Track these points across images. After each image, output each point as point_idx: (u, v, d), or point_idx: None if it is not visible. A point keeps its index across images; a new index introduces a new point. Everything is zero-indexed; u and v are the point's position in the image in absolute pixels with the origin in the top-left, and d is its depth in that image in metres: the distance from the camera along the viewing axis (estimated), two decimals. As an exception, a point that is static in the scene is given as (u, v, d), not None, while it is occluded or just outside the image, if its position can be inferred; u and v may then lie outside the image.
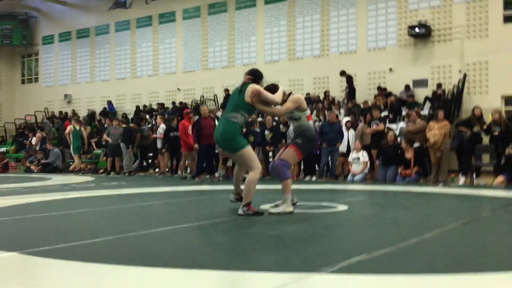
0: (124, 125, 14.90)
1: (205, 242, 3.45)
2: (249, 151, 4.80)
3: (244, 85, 4.85)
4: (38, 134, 18.60)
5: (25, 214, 5.09)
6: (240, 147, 4.71)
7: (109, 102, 22.06)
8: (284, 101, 5.04)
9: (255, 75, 4.96)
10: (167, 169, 13.98)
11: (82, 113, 23.51)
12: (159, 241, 3.48)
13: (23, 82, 27.21)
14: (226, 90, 18.57)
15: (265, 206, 5.52)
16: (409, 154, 10.27)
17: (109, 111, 21.17)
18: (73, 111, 23.55)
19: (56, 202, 6.44)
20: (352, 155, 11.17)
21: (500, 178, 9.53)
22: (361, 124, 11.87)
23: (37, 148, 17.96)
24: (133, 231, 3.82)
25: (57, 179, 12.30)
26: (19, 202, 6.25)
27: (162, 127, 13.69)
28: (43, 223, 4.46)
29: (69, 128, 15.47)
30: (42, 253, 2.99)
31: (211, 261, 2.82)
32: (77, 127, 15.56)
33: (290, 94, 5.12)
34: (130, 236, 3.62)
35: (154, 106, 20.69)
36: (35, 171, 16.20)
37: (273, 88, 4.98)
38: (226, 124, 4.78)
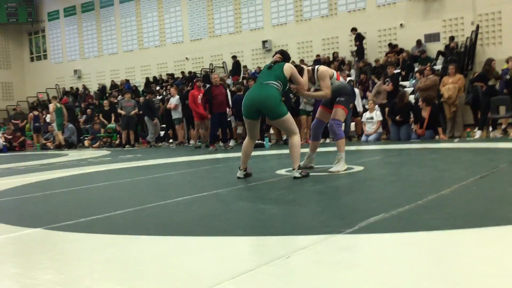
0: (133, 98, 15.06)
1: (224, 209, 3.48)
2: (291, 116, 4.99)
3: (276, 63, 5.01)
4: (30, 114, 18.76)
5: (45, 190, 5.18)
6: (285, 112, 4.87)
7: (127, 81, 21.95)
8: (310, 79, 5.23)
9: (284, 55, 5.12)
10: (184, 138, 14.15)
11: (93, 87, 23.57)
12: (179, 211, 3.53)
13: (32, 59, 27.24)
14: (234, 57, 18.40)
15: (280, 171, 5.54)
16: (425, 113, 10.12)
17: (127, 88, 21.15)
18: (84, 86, 23.61)
19: (74, 177, 6.54)
20: (366, 115, 11.10)
21: (517, 130, 9.42)
22: (379, 83, 11.69)
23: (31, 127, 18.18)
24: (152, 202, 3.87)
25: (73, 154, 12.45)
26: (39, 179, 6.36)
27: (176, 98, 13.67)
28: (64, 199, 4.54)
29: (52, 106, 15.78)
30: (66, 228, 3.06)
31: (232, 228, 2.86)
32: (58, 105, 15.97)
33: (313, 70, 5.27)
34: (149, 207, 3.67)
35: (164, 77, 20.64)
36: (51, 147, 16.40)
37: (299, 70, 5.13)
38: (270, 90, 4.82)
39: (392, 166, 5.89)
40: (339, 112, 5.26)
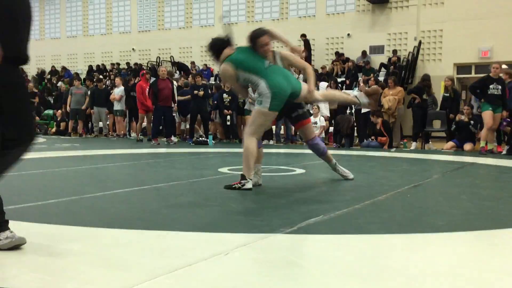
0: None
1: (163, 204, 3.42)
2: None
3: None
4: None
5: (-28, 175, 4.89)
6: None
7: (64, 68, 21.08)
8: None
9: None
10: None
11: (31, 72, 22.54)
12: (116, 203, 3.43)
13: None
14: (184, 52, 18.18)
15: (223, 169, 5.53)
16: (378, 125, 10.37)
17: (67, 77, 20.20)
18: (22, 69, 22.52)
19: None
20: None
21: (450, 144, 9.90)
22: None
23: None
24: (88, 193, 3.74)
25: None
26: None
27: (120, 89, 13.29)
28: (-7, 185, 4.30)
29: None
30: (-7, 215, 2.89)
31: (171, 222, 2.81)
32: None
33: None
34: (85, 198, 3.55)
35: (108, 67, 20.07)
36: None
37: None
38: None
39: (332, 171, 6.01)
40: (311, 127, 4.70)
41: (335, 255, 2.17)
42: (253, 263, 2.03)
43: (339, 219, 2.91)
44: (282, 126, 11.80)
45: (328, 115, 11.67)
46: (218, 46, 4.34)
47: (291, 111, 4.49)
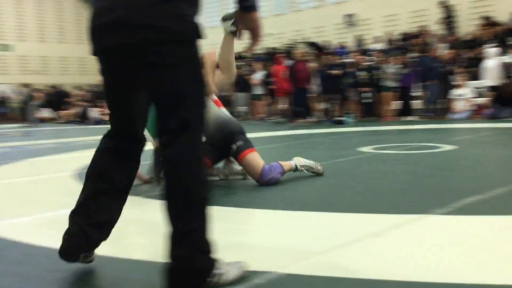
0: None
1: (310, 186, 3.49)
2: None
3: None
4: None
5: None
6: None
7: None
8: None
9: None
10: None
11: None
12: (267, 186, 3.58)
13: None
14: (317, 32, 18.09)
15: (362, 148, 5.43)
16: None
17: None
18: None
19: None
20: (455, 92, 10.55)
21: None
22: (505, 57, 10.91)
23: None
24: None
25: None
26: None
27: (261, 73, 13.67)
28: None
29: None
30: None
31: (320, 204, 2.86)
32: None
33: None
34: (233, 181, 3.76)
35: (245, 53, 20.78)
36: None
37: None
38: None
39: (486, 146, 5.57)
40: (254, 160, 3.48)
41: (497, 237, 2.03)
42: (407, 244, 1.98)
43: (498, 199, 2.70)
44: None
45: (493, 84, 10.49)
46: None
47: (226, 149, 3.63)
